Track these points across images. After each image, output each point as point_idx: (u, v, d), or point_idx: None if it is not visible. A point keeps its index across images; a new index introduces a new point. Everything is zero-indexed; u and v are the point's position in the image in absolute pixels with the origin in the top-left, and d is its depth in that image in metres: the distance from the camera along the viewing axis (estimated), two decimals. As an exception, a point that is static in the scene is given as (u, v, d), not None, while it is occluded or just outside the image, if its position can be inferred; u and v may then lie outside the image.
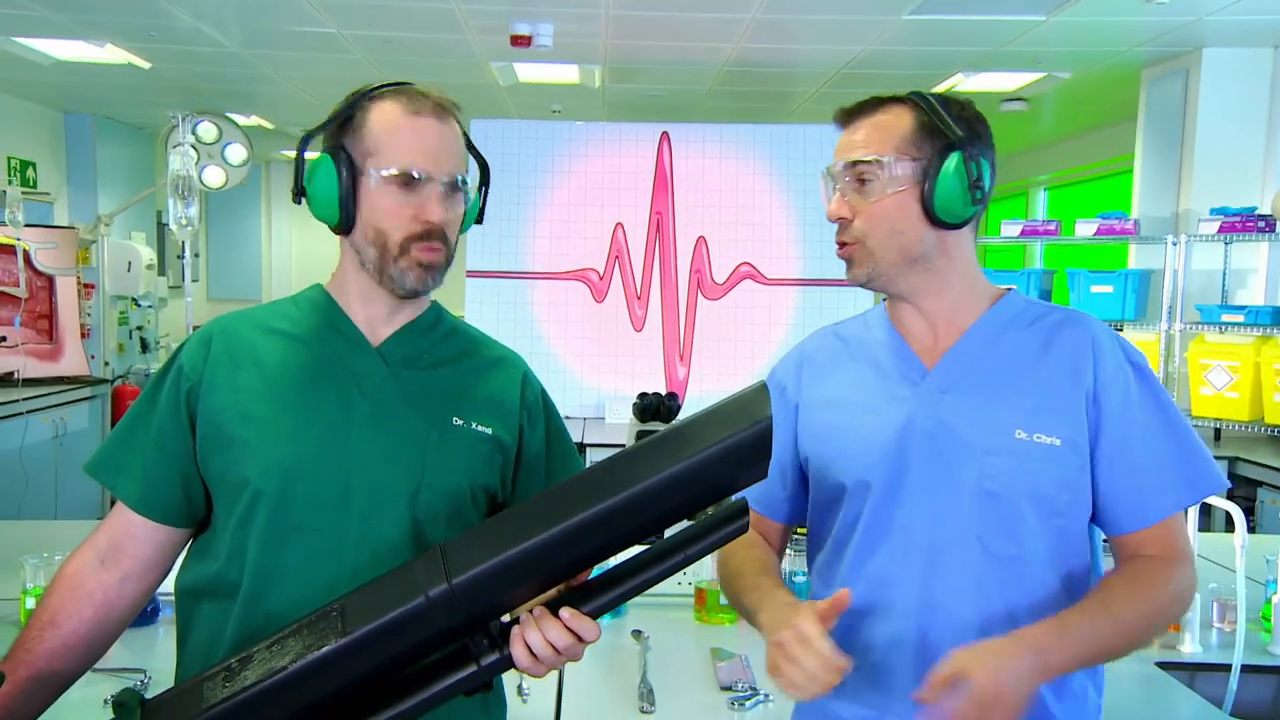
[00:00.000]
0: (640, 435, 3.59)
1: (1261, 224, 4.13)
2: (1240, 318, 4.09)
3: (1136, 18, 4.01)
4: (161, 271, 6.97)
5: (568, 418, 4.52)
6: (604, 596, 1.03)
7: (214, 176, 4.86)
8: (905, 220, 1.18)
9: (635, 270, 4.79)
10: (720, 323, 4.76)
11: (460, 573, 0.96)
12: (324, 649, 0.96)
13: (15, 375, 5.08)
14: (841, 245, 1.22)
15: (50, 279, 5.38)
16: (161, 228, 7.44)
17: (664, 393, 3.65)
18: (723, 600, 2.00)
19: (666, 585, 2.10)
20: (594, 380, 4.72)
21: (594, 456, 3.94)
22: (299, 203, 1.18)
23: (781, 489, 1.31)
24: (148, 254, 6.20)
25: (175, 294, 7.24)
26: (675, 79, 5.41)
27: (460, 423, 1.18)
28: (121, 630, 1.20)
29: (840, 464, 1.23)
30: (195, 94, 5.86)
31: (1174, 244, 4.40)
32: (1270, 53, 4.43)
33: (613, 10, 4.07)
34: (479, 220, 1.26)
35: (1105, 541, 1.23)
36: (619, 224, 4.78)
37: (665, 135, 4.79)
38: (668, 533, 1.09)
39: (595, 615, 1.02)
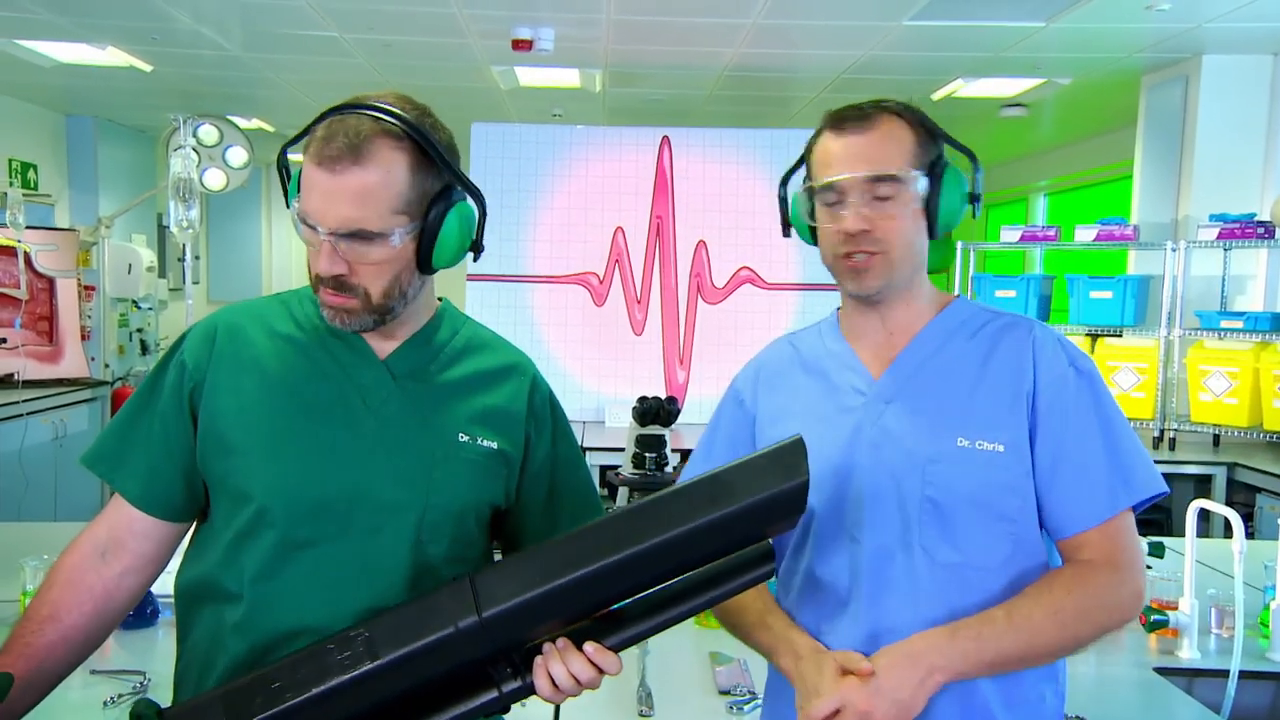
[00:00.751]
0: (640, 440, 3.59)
1: (1260, 230, 4.14)
2: (1239, 324, 4.10)
3: (1136, 24, 4.02)
4: (162, 274, 6.98)
5: (567, 421, 4.53)
6: (628, 631, 1.05)
7: (215, 179, 4.87)
8: (918, 233, 1.20)
9: (635, 274, 4.80)
10: (720, 327, 4.77)
11: (491, 606, 0.98)
12: (353, 673, 0.97)
13: (15, 377, 5.08)
14: (857, 255, 1.18)
15: (51, 281, 5.39)
16: (162, 230, 7.44)
17: (664, 396, 3.66)
18: (721, 604, 2.00)
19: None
20: (594, 384, 4.73)
21: (594, 460, 3.94)
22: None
23: None
24: (148, 256, 6.20)
25: (176, 296, 7.24)
26: (676, 83, 5.42)
27: (466, 439, 1.16)
28: (118, 623, 1.19)
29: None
30: (196, 97, 5.87)
31: (1173, 250, 4.41)
32: (1270, 60, 4.44)
33: (614, 15, 4.08)
34: (474, 251, 1.17)
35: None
36: (619, 228, 4.78)
37: (666, 139, 4.80)
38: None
39: (617, 650, 1.04)
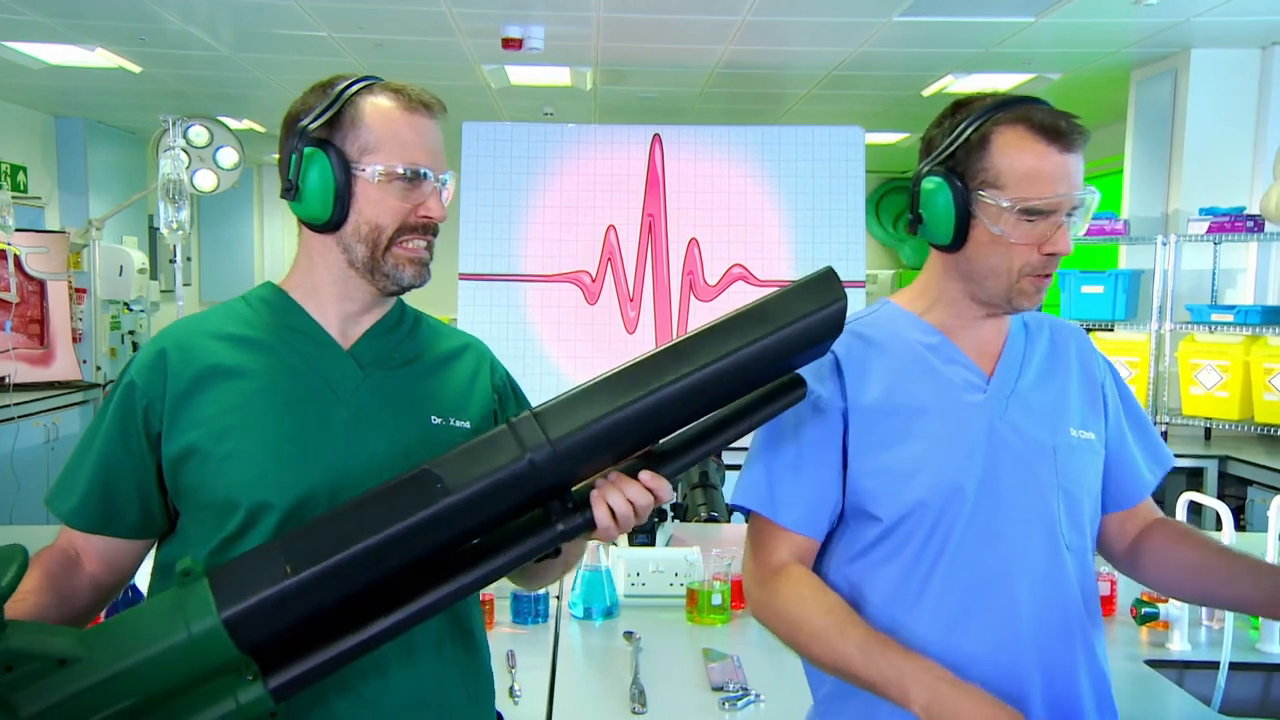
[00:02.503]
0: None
1: (1250, 224, 4.15)
2: (1230, 317, 4.11)
3: (1125, 19, 4.03)
4: (153, 275, 6.95)
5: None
6: (678, 461, 1.09)
7: (205, 180, 4.86)
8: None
9: (628, 272, 4.80)
10: (713, 324, 4.76)
11: (561, 435, 1.01)
12: (426, 511, 0.98)
13: (6, 380, 5.06)
14: (1045, 277, 1.17)
15: (41, 283, 5.37)
16: (153, 232, 7.42)
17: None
18: (715, 601, 2.01)
19: (659, 587, 2.11)
20: (587, 382, 4.72)
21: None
22: (289, 197, 1.15)
23: (829, 508, 1.20)
24: (139, 258, 6.18)
25: (167, 298, 7.22)
26: (667, 81, 5.42)
27: (439, 420, 1.17)
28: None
29: (922, 476, 1.15)
30: (186, 98, 5.85)
31: (1164, 244, 4.42)
32: (1257, 54, 4.46)
33: (604, 13, 4.07)
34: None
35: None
36: (611, 226, 4.78)
37: (657, 137, 4.80)
38: None
39: (670, 477, 1.08)
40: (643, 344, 4.77)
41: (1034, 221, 1.12)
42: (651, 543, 2.41)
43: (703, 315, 4.76)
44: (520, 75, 5.22)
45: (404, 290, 1.18)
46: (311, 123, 1.12)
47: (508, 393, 1.27)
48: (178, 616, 0.94)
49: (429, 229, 1.16)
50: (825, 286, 1.08)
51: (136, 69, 5.09)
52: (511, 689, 1.66)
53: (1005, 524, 1.17)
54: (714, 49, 4.68)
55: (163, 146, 4.52)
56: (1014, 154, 1.12)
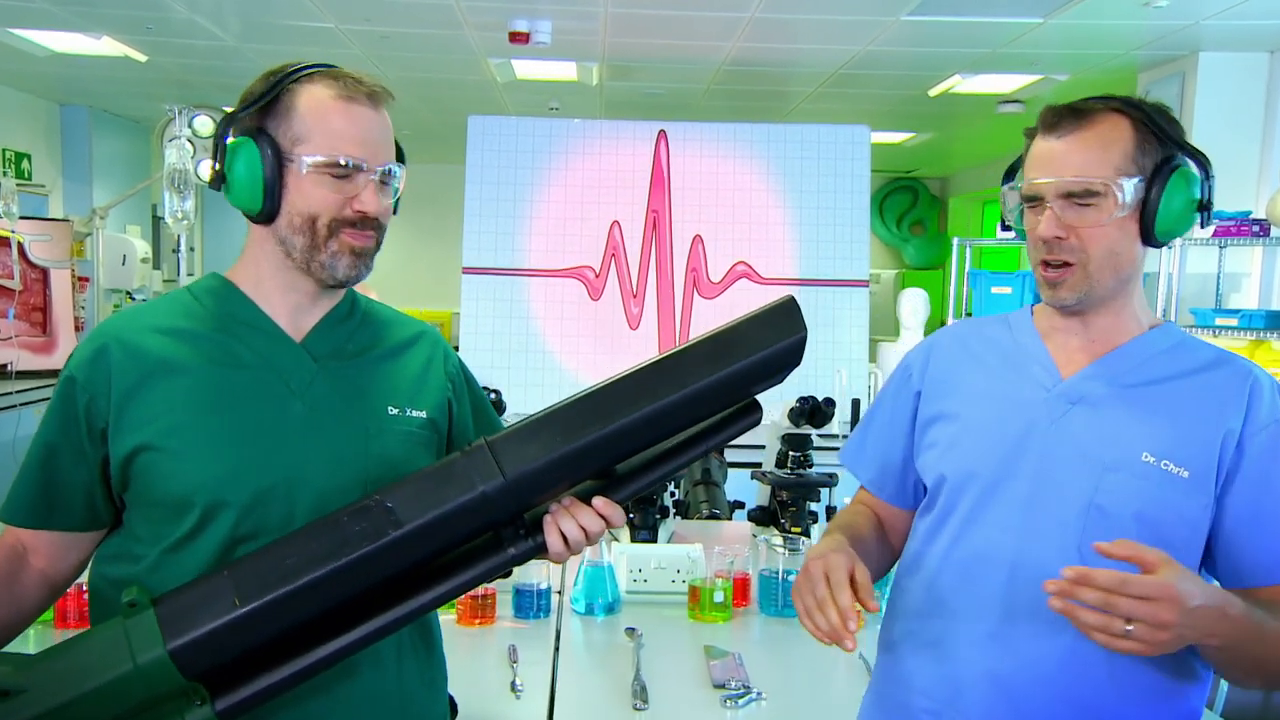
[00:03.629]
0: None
1: (1256, 228, 4.14)
2: (1234, 321, 4.11)
3: (1133, 21, 4.02)
4: (156, 265, 6.95)
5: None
6: (632, 485, 1.10)
7: (209, 170, 4.85)
8: (1124, 241, 1.14)
9: (631, 268, 4.79)
10: (716, 321, 4.67)
11: (515, 468, 1.01)
12: (376, 543, 0.98)
13: (9, 368, 5.06)
14: (1053, 266, 1.15)
15: (44, 271, 5.37)
16: (157, 221, 7.42)
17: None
18: (717, 598, 2.01)
19: (661, 584, 2.11)
20: (589, 378, 4.71)
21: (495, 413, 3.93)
22: (217, 189, 1.12)
23: (895, 473, 1.32)
24: (143, 247, 6.18)
25: (170, 288, 7.20)
26: (673, 77, 5.41)
27: (395, 411, 1.16)
28: (29, 624, 1.18)
29: (950, 455, 1.23)
30: (192, 87, 5.84)
31: (1169, 247, 4.41)
32: (1265, 58, 4.44)
33: (611, 8, 4.06)
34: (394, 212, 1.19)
35: None
36: (615, 222, 4.78)
37: (663, 133, 4.79)
38: None
39: (623, 502, 1.09)
40: (645, 340, 4.77)
41: (1034, 209, 1.16)
42: (654, 539, 2.41)
43: (706, 312, 4.76)
44: (526, 70, 5.22)
45: (340, 285, 1.14)
46: (243, 110, 1.10)
47: (460, 382, 1.26)
48: (123, 647, 0.94)
49: (366, 224, 1.11)
50: (787, 318, 1.07)
51: (142, 58, 5.09)
52: (513, 684, 1.66)
53: (1004, 529, 1.16)
54: (721, 45, 4.67)
55: (168, 136, 4.51)
56: (1030, 152, 1.19)
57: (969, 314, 4.78)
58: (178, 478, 1.07)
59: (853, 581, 1.10)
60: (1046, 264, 1.16)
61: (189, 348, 1.11)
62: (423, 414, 1.18)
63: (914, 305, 4.75)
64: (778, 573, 2.05)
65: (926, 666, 1.21)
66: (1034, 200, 1.16)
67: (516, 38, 4.32)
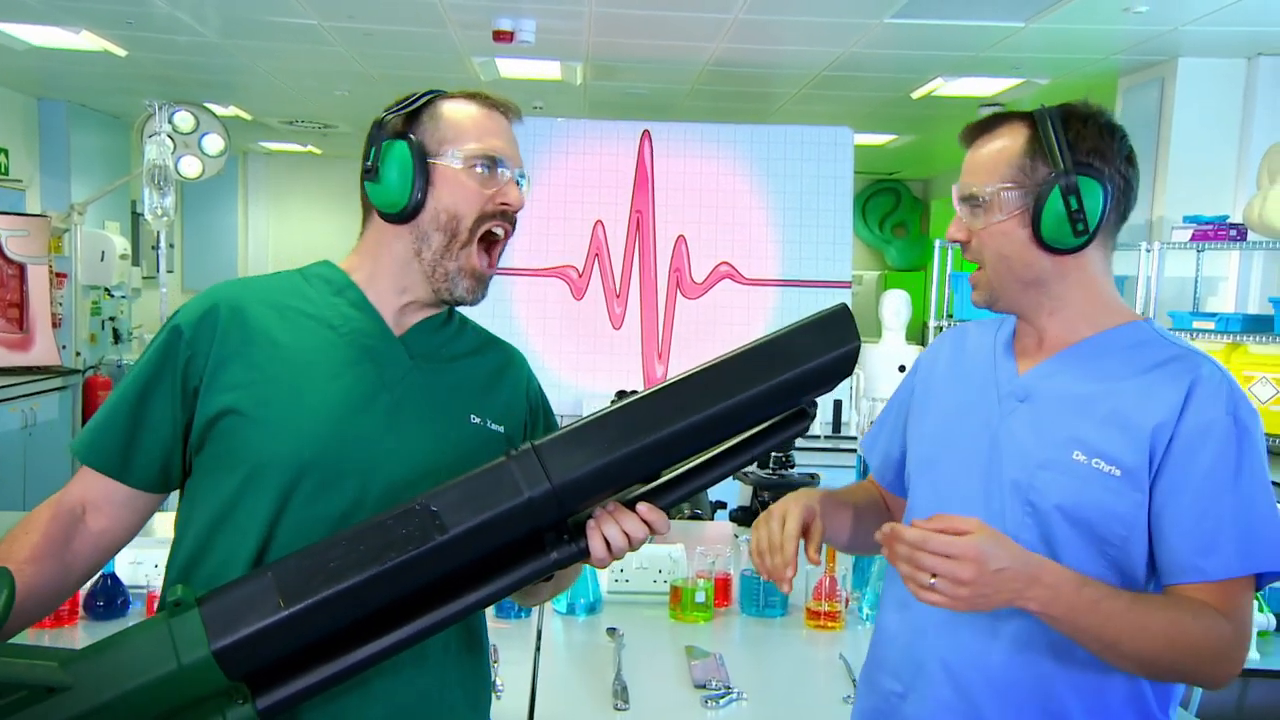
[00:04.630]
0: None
1: (1233, 233, 4.19)
2: (1211, 324, 4.15)
3: (1114, 26, 4.05)
4: (136, 262, 6.89)
5: (545, 415, 4.52)
6: (677, 491, 1.09)
7: (190, 167, 4.82)
8: (1013, 246, 1.18)
9: (615, 268, 4.79)
10: (699, 322, 4.77)
11: (562, 475, 1.00)
12: (422, 547, 0.98)
13: (-16, 364, 5.01)
14: (975, 273, 1.24)
15: (21, 267, 5.31)
16: (136, 217, 7.35)
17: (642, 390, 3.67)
18: (698, 598, 2.01)
19: (642, 584, 2.11)
20: (572, 377, 4.72)
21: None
22: (369, 178, 1.15)
23: (894, 462, 1.38)
24: (122, 244, 6.13)
25: (150, 284, 7.15)
26: (657, 77, 5.41)
27: (477, 421, 1.19)
28: (79, 586, 1.19)
29: (918, 448, 1.30)
30: (172, 83, 5.79)
31: (1147, 251, 4.45)
32: (1243, 63, 4.49)
33: (596, 7, 4.06)
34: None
35: None
36: (599, 221, 4.78)
37: (647, 133, 4.80)
38: None
39: (667, 509, 1.09)
40: (628, 340, 4.77)
41: None
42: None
43: (689, 313, 4.76)
44: (510, 68, 5.21)
45: (455, 303, 1.19)
46: (392, 114, 1.16)
47: (539, 409, 1.29)
48: (168, 646, 0.94)
49: (507, 217, 1.18)
50: (840, 327, 1.07)
51: (122, 52, 5.04)
52: (494, 684, 1.65)
53: (966, 511, 1.17)
54: (705, 46, 4.68)
55: (148, 131, 4.49)
56: None
57: (950, 316, 4.80)
58: (258, 446, 1.09)
59: (807, 532, 1.24)
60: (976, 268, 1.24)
61: (293, 324, 1.15)
62: (501, 429, 1.21)
63: (896, 307, 4.77)
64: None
65: (897, 651, 1.26)
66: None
67: (500, 36, 4.31)
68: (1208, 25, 3.95)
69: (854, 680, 1.71)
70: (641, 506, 1.07)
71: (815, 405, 1.12)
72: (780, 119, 6.19)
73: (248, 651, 0.95)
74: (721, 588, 2.08)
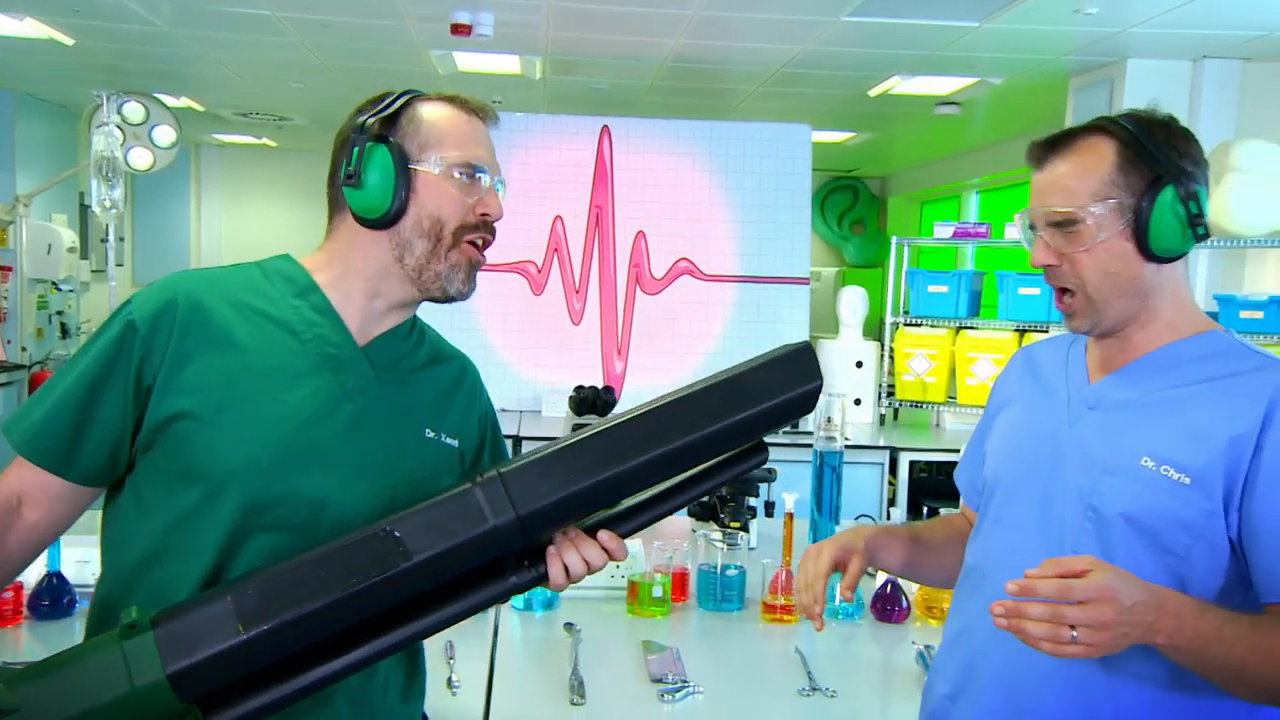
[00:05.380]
0: (576, 429, 3.59)
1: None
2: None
3: (1065, 27, 4.12)
4: (84, 255, 6.74)
5: (503, 410, 4.50)
6: (637, 520, 1.11)
7: (141, 159, 4.73)
8: (1119, 260, 1.15)
9: (574, 264, 4.78)
10: (658, 318, 4.78)
11: (528, 504, 1.01)
12: (386, 573, 0.98)
13: (-75, 360, 4.87)
14: (1059, 293, 1.19)
15: (-36, 261, 5.18)
16: (84, 210, 7.19)
17: (600, 386, 3.66)
18: (656, 593, 2.02)
19: (599, 578, 2.12)
20: (531, 373, 4.70)
21: (529, 450, 3.92)
22: (351, 184, 1.12)
23: (978, 488, 1.36)
24: (69, 237, 5.99)
25: (98, 278, 7.00)
26: (617, 73, 5.41)
27: (432, 435, 1.18)
28: (13, 578, 1.16)
29: (991, 460, 1.32)
30: (122, 73, 5.67)
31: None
32: (1189, 65, 4.59)
33: (555, 1, 4.05)
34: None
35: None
36: (558, 217, 4.76)
37: (606, 129, 4.79)
38: None
39: (626, 536, 1.11)
40: (588, 335, 4.77)
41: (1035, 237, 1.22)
42: (593, 534, 2.41)
43: (648, 309, 4.77)
44: (469, 62, 5.17)
45: (447, 299, 1.17)
46: (372, 117, 1.13)
47: (488, 420, 1.29)
48: (121, 669, 0.93)
49: (488, 227, 1.17)
50: (803, 366, 1.09)
51: (69, 41, 4.92)
52: (449, 680, 1.65)
53: (1027, 518, 1.22)
54: (664, 42, 4.68)
55: (96, 122, 4.39)
56: None
57: (906, 312, 4.85)
58: (214, 454, 1.06)
59: (843, 568, 1.29)
60: (1058, 293, 1.20)
61: (254, 327, 1.12)
62: (455, 443, 1.20)
63: (853, 303, 4.81)
64: (716, 568, 2.07)
65: (952, 654, 1.28)
66: (1032, 230, 1.21)
67: (458, 30, 4.28)
68: (1155, 28, 4.03)
69: (809, 673, 1.72)
70: (602, 535, 1.09)
71: (766, 449, 1.14)
72: (739, 116, 6.21)
73: (203, 675, 0.94)
74: (679, 582, 2.09)
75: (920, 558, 1.40)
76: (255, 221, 9.20)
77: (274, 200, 9.23)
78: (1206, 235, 1.16)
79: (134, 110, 4.61)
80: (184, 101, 6.55)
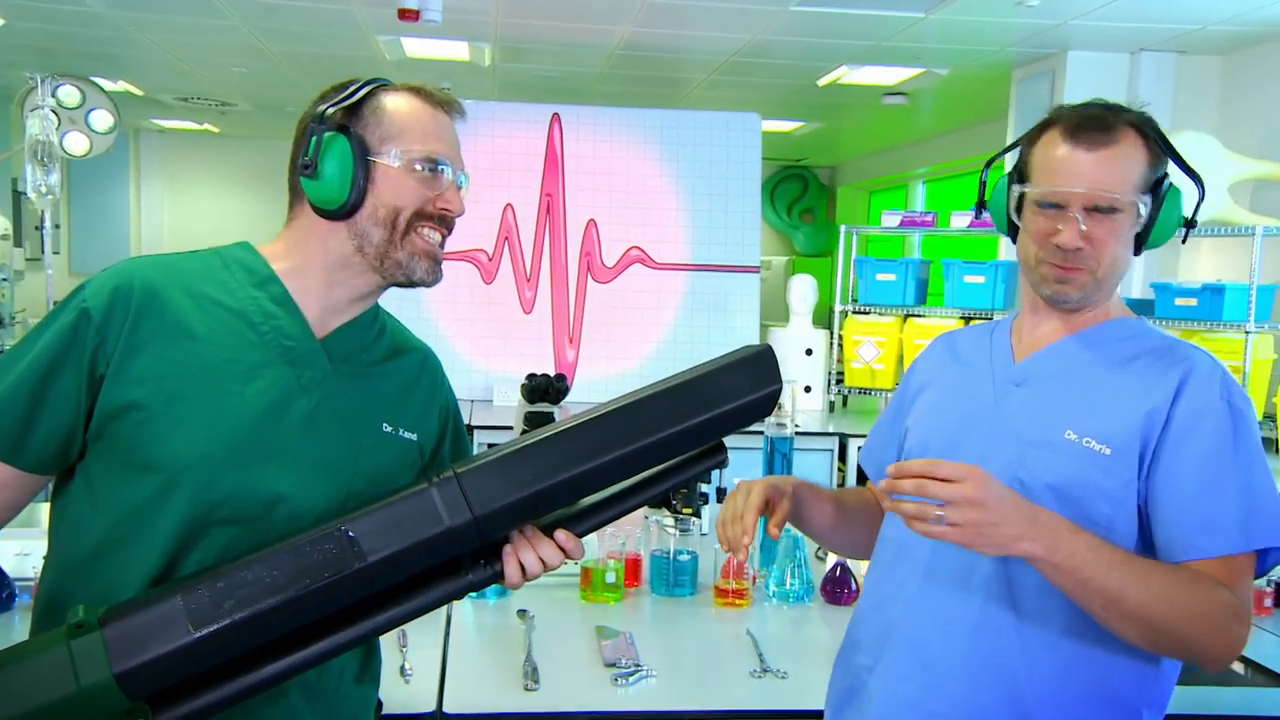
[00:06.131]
0: (529, 417, 3.58)
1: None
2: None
3: (1007, 19, 4.20)
4: (18, 243, 6.55)
5: (455, 400, 4.47)
6: (595, 518, 1.12)
7: (77, 143, 4.60)
8: (1126, 250, 1.22)
9: (525, 252, 4.76)
10: (610, 306, 4.78)
11: (484, 506, 1.01)
12: (341, 573, 0.97)
13: None
14: (1066, 269, 1.20)
15: (-110, 249, 5.00)
16: (18, 196, 6.97)
17: (553, 374, 3.65)
18: (608, 579, 2.03)
19: (553, 565, 2.12)
20: (482, 362, 4.68)
21: (482, 438, 3.91)
22: (308, 174, 1.10)
23: (890, 461, 1.40)
24: (2, 224, 5.81)
25: (34, 267, 6.80)
26: (567, 60, 5.38)
27: (390, 430, 1.16)
28: None
29: (911, 436, 1.34)
30: (56, 55, 5.50)
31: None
32: (1127, 58, 4.71)
33: (504, -12, 4.02)
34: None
35: None
36: (509, 205, 4.74)
37: (556, 117, 4.77)
38: None
39: (583, 535, 1.11)
40: (539, 324, 4.75)
41: (1048, 212, 1.20)
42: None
43: (600, 297, 4.77)
44: (416, 48, 5.11)
45: (411, 285, 1.15)
46: (333, 106, 1.10)
47: (449, 412, 1.28)
48: (67, 669, 0.91)
49: (445, 221, 1.15)
50: (764, 369, 1.10)
51: None
52: (402, 668, 1.64)
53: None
54: (614, 29, 4.67)
55: (29, 105, 4.26)
56: (1040, 141, 1.23)
57: (855, 300, 4.92)
58: (167, 446, 1.04)
59: (772, 508, 1.28)
60: (1068, 268, 1.21)
61: (210, 317, 1.09)
62: (413, 437, 1.19)
63: (803, 291, 4.86)
64: (669, 553, 2.08)
65: (869, 625, 1.31)
66: (1051, 205, 1.19)
67: (406, 15, 4.22)
68: (1094, 20, 4.12)
69: (760, 655, 1.75)
70: (559, 534, 1.09)
71: (725, 450, 1.16)
72: (689, 104, 6.22)
73: (152, 675, 0.93)
74: (632, 568, 2.11)
75: (838, 521, 1.41)
76: (198, 209, 9.01)
77: (218, 188, 9.05)
78: (1188, 235, 1.25)
79: (69, 94, 4.48)
80: (122, 85, 6.38)
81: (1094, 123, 1.18)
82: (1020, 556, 1.07)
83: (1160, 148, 1.21)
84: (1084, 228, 1.17)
